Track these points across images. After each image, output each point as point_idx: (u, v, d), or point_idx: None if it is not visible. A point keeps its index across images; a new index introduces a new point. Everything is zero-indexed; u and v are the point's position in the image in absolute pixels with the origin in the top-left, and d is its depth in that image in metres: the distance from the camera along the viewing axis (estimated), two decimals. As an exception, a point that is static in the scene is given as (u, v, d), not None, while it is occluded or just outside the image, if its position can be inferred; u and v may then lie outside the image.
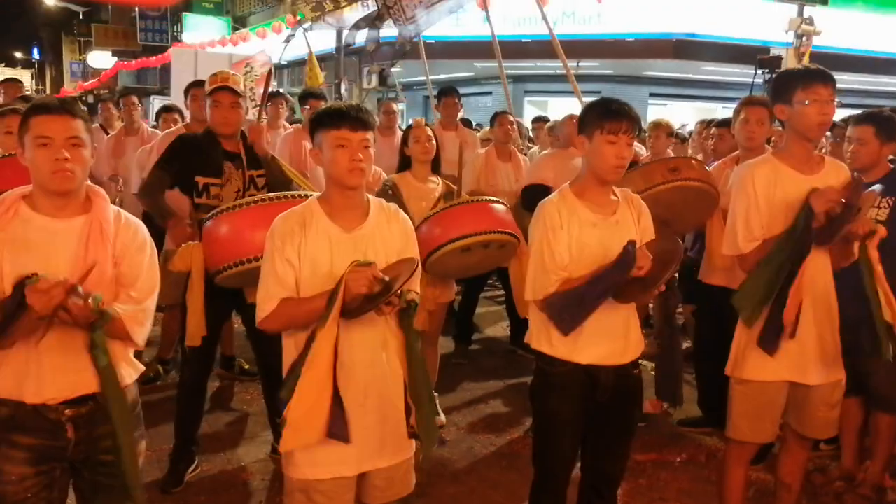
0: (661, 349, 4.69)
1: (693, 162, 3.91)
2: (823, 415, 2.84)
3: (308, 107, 5.80)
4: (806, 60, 9.33)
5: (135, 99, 6.49)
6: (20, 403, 2.12)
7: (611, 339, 2.57)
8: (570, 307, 2.45)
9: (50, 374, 2.11)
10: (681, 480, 3.88)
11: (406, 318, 2.29)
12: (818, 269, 2.71)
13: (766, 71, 4.49)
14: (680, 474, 3.95)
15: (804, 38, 10.22)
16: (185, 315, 3.55)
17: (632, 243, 2.41)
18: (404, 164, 4.21)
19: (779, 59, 4.52)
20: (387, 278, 2.14)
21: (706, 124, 5.82)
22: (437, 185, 4.16)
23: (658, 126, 5.61)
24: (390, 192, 3.91)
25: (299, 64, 19.33)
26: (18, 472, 2.12)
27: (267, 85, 4.29)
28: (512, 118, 5.71)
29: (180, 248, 3.47)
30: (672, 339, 4.71)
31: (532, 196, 4.42)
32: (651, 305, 6.03)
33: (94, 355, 2.08)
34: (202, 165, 3.54)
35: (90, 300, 2.00)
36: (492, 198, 4.00)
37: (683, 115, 15.39)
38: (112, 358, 2.13)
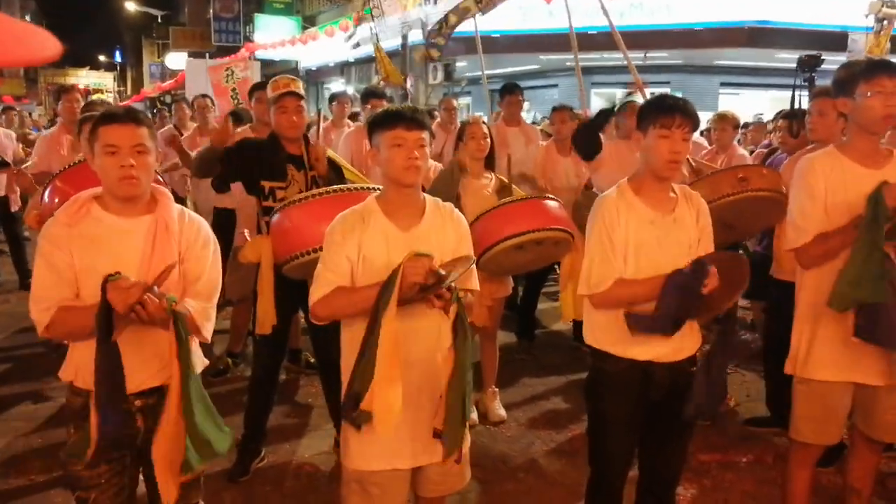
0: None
1: (763, 170, 3.80)
2: (893, 417, 2.74)
3: (369, 105, 5.87)
4: (886, 46, 8.96)
5: (208, 101, 6.63)
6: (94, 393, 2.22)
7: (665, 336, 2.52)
8: (653, 325, 2.46)
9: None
10: (746, 482, 3.79)
11: (459, 318, 2.30)
12: None
13: (806, 69, 4.33)
14: (745, 476, 3.85)
15: (885, 22, 9.75)
16: (254, 308, 3.67)
17: (706, 258, 2.41)
18: None
19: (819, 58, 4.38)
20: (442, 272, 2.17)
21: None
22: (490, 180, 4.19)
23: (723, 118, 5.44)
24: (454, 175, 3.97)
25: (366, 62, 19.61)
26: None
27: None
28: (567, 113, 5.66)
29: (249, 241, 3.63)
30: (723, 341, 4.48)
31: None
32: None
33: (179, 344, 2.14)
34: (267, 170, 3.65)
35: (165, 300, 2.09)
36: (544, 194, 3.99)
37: (758, 104, 14.96)
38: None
